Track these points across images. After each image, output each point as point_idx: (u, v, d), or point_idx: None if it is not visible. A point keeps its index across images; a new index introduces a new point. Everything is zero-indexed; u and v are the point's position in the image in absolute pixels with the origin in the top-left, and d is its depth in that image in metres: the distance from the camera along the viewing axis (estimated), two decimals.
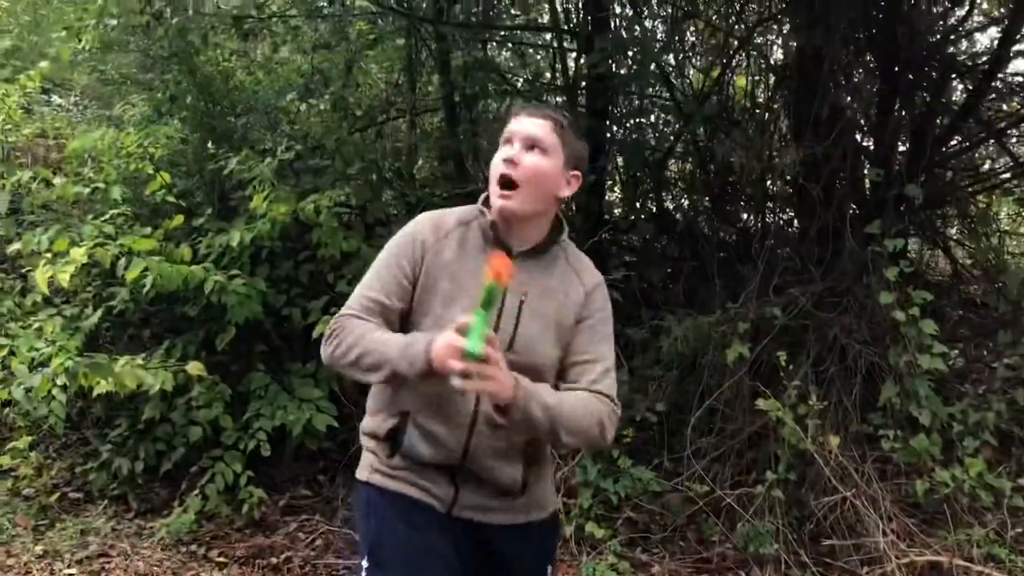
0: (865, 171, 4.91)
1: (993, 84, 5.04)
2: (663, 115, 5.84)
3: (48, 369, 3.76)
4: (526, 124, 1.91)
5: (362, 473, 2.00)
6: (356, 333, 1.86)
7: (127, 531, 4.21)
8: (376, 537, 1.94)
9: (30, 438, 4.63)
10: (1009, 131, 5.41)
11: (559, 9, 5.61)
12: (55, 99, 7.10)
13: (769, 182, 5.30)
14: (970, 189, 5.44)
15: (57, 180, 4.49)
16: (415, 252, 1.92)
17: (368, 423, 2.01)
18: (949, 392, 4.20)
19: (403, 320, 1.94)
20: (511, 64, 6.62)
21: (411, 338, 1.81)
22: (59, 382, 3.80)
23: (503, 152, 1.91)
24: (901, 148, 5.03)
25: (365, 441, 2.02)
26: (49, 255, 3.94)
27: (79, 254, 3.83)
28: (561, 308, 1.92)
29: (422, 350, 1.75)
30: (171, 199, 4.66)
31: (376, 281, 1.94)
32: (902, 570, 3.44)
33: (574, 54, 5.67)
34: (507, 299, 1.89)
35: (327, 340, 1.90)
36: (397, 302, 1.91)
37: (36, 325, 4.24)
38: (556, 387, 1.91)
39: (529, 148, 1.89)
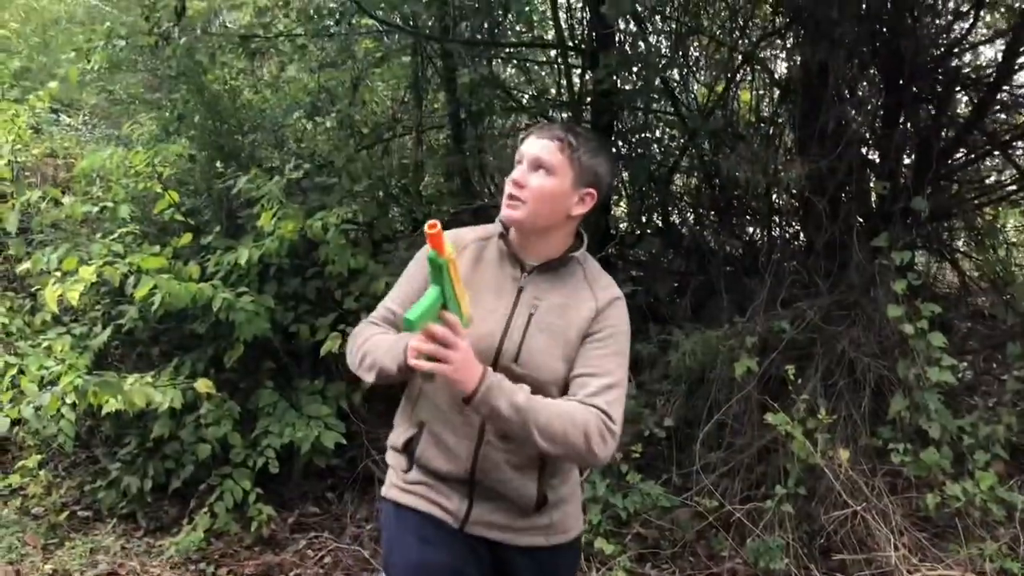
0: (871, 184, 4.90)
1: (998, 96, 5.03)
2: (668, 130, 5.85)
3: (57, 388, 3.76)
4: (533, 145, 1.95)
5: (384, 489, 2.06)
6: (363, 337, 1.99)
7: (136, 549, 4.21)
8: (388, 552, 1.98)
9: (39, 457, 4.65)
10: (1015, 143, 5.40)
11: (564, 26, 5.64)
12: (64, 119, 7.15)
13: (775, 196, 5.30)
14: (976, 201, 5.41)
15: (66, 199, 4.52)
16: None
17: (392, 436, 2.08)
18: (959, 405, 4.18)
19: None
20: (517, 81, 6.65)
21: (400, 337, 1.89)
22: (68, 400, 3.81)
23: (512, 173, 1.95)
24: (907, 161, 5.02)
25: (388, 456, 2.08)
26: (58, 274, 3.96)
27: (88, 272, 3.85)
28: (570, 323, 1.93)
29: (404, 346, 1.81)
30: (179, 217, 4.69)
31: (396, 292, 2.06)
32: None
33: (579, 70, 5.69)
34: (517, 312, 1.93)
35: (349, 345, 2.05)
36: None
37: (45, 344, 4.25)
38: None
39: (535, 169, 1.91)
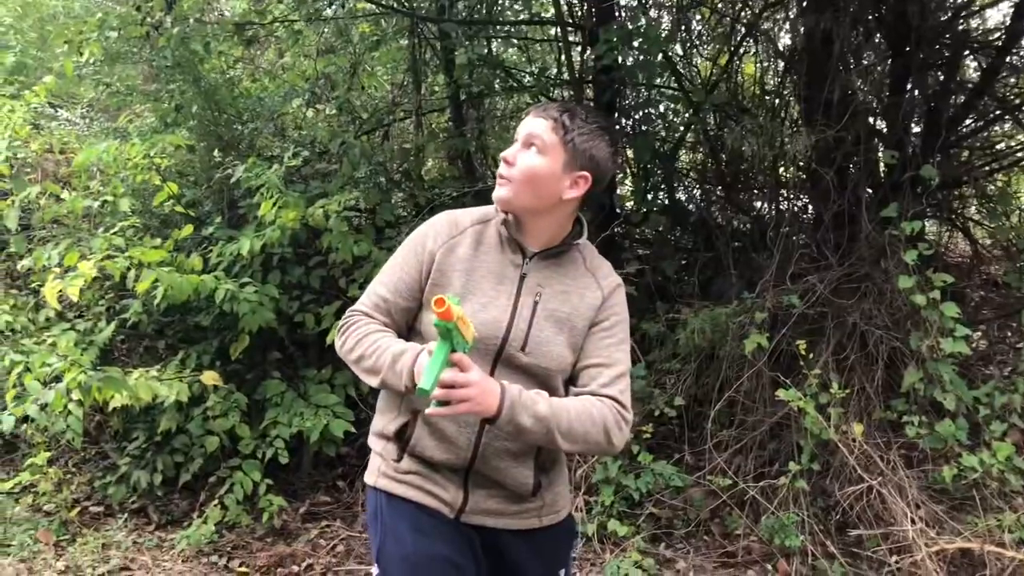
0: (879, 154, 4.83)
1: (1008, 60, 4.93)
2: (672, 105, 5.78)
3: (61, 384, 3.74)
4: (529, 123, 1.90)
5: (370, 477, 2.00)
6: (361, 332, 1.91)
7: (148, 544, 4.20)
8: (382, 544, 1.93)
9: (48, 453, 4.63)
10: None
11: (563, 2, 5.56)
12: (63, 113, 7.11)
13: (782, 168, 5.22)
14: (987, 168, 5.33)
15: (66, 194, 4.48)
16: (424, 250, 1.93)
17: (377, 422, 2.01)
18: (974, 375, 4.12)
19: (417, 315, 1.96)
20: (516, 60, 6.58)
21: (401, 351, 1.82)
22: (74, 397, 3.79)
23: (506, 151, 1.91)
24: (915, 129, 4.94)
25: (373, 442, 2.01)
26: (58, 270, 3.94)
27: (87, 268, 3.82)
28: (576, 310, 1.91)
29: (407, 367, 1.77)
30: (180, 209, 4.65)
31: (387, 278, 1.97)
32: (932, 559, 3.37)
33: (579, 47, 5.61)
34: (521, 299, 1.89)
35: (338, 333, 1.97)
36: (403, 300, 1.94)
37: (50, 340, 4.23)
38: (566, 391, 1.90)
39: (528, 147, 1.87)
